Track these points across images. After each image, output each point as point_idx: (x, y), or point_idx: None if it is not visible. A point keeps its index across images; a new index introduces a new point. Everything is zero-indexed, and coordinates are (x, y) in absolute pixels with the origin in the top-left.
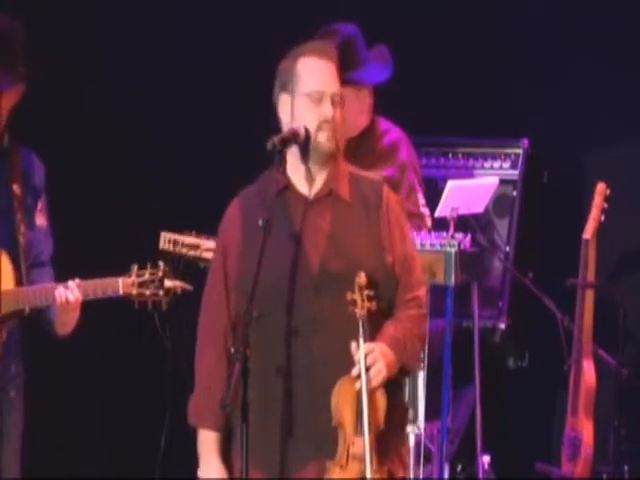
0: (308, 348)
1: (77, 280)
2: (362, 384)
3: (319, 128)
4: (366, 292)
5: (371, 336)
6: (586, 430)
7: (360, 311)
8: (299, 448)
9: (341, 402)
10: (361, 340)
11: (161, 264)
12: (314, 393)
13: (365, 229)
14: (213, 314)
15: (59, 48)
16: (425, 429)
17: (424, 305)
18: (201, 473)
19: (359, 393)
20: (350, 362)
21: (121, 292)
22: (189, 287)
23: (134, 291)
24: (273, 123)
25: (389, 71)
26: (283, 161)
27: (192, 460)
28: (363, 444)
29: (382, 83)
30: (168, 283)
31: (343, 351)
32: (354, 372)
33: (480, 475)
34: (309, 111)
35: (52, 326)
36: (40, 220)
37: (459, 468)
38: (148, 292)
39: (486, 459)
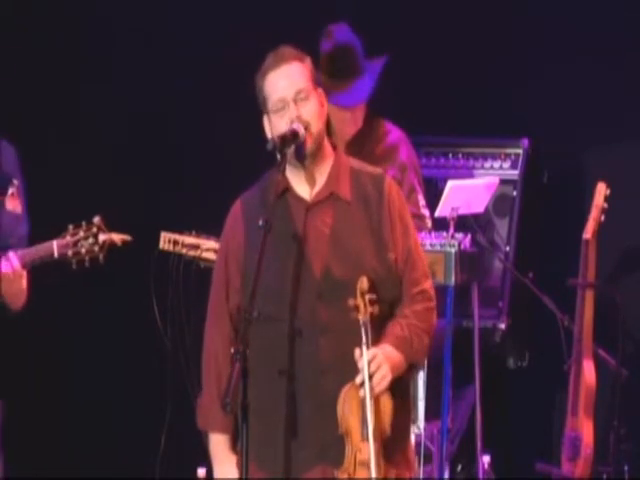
0: (312, 352)
1: (19, 251)
2: (366, 392)
3: None
4: (368, 296)
5: (376, 338)
6: (586, 430)
7: (362, 317)
8: (303, 452)
9: (347, 410)
10: (364, 347)
11: (96, 218)
12: (319, 398)
13: (366, 229)
14: (217, 319)
15: (59, 45)
16: (425, 429)
17: (431, 297)
18: (216, 475)
19: (364, 400)
20: (354, 368)
21: (56, 255)
22: (128, 238)
23: (70, 251)
24: None
25: (366, 93)
26: (284, 161)
27: (192, 460)
28: (368, 451)
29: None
30: (103, 237)
31: (348, 356)
32: (358, 380)
33: (480, 475)
34: (280, 122)
35: (3, 300)
36: (12, 205)
37: (459, 468)
38: (84, 250)
39: (486, 459)
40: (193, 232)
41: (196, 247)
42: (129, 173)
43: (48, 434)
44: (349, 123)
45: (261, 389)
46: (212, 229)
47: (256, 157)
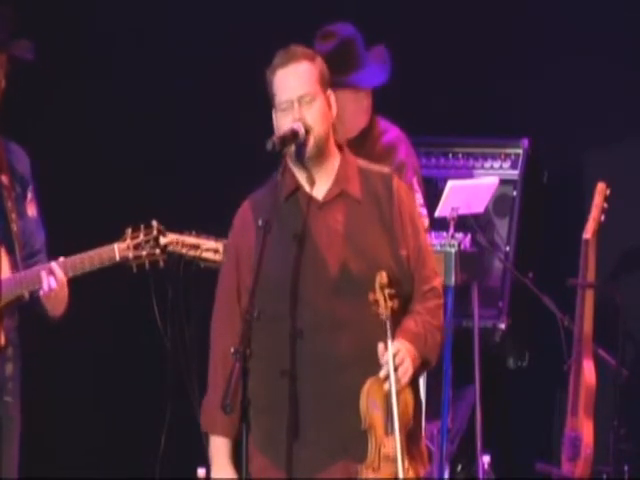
0: (330, 348)
1: (61, 258)
2: (391, 385)
3: None
4: (388, 291)
5: (392, 334)
6: (586, 430)
7: (384, 311)
8: (324, 449)
9: (370, 404)
10: (389, 341)
11: (154, 222)
12: (338, 394)
13: (378, 226)
14: (227, 319)
15: (59, 45)
16: (425, 429)
17: (441, 295)
18: (213, 476)
19: (388, 394)
20: (373, 362)
21: (117, 258)
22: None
23: (130, 254)
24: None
25: (386, 74)
26: (283, 161)
27: (192, 460)
28: (394, 445)
29: (380, 85)
30: (163, 240)
31: (366, 351)
32: (382, 373)
33: (480, 475)
34: (284, 121)
35: (44, 309)
36: (31, 211)
37: (459, 468)
38: (144, 253)
39: (486, 459)
40: (193, 232)
41: (196, 247)
42: (129, 173)
43: (48, 434)
44: (362, 112)
45: (275, 387)
46: (213, 229)
47: (256, 157)
